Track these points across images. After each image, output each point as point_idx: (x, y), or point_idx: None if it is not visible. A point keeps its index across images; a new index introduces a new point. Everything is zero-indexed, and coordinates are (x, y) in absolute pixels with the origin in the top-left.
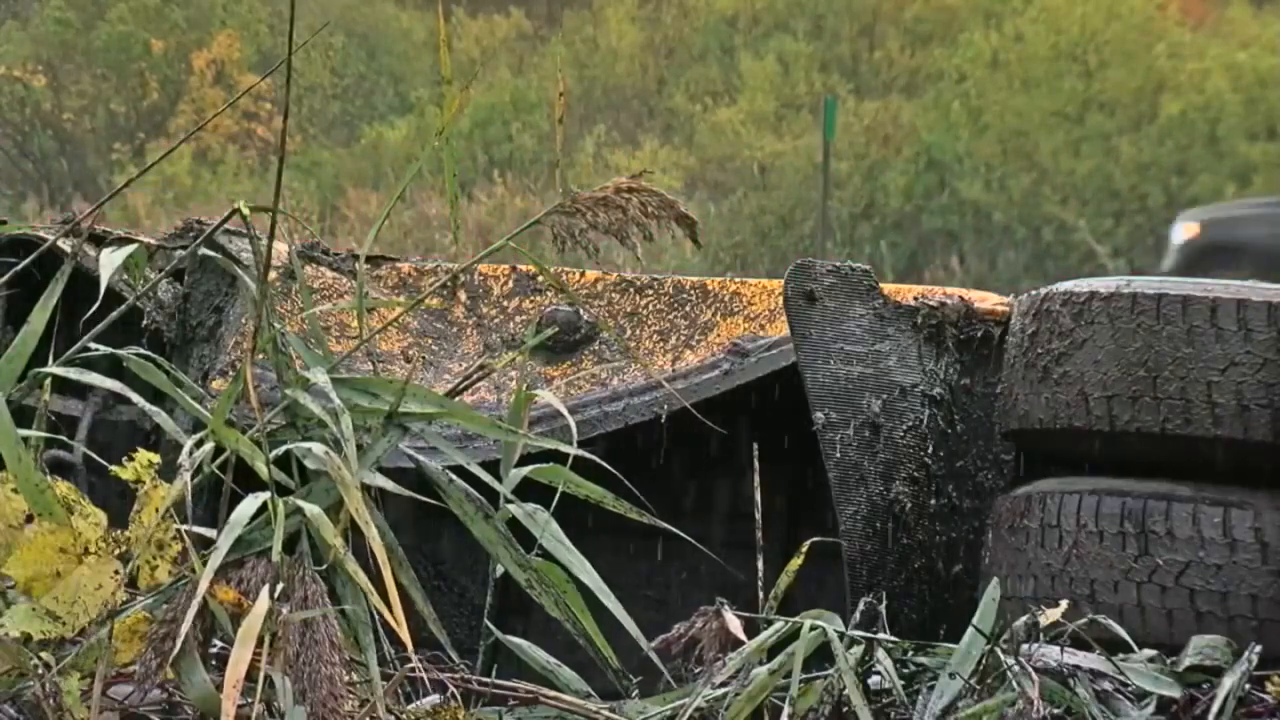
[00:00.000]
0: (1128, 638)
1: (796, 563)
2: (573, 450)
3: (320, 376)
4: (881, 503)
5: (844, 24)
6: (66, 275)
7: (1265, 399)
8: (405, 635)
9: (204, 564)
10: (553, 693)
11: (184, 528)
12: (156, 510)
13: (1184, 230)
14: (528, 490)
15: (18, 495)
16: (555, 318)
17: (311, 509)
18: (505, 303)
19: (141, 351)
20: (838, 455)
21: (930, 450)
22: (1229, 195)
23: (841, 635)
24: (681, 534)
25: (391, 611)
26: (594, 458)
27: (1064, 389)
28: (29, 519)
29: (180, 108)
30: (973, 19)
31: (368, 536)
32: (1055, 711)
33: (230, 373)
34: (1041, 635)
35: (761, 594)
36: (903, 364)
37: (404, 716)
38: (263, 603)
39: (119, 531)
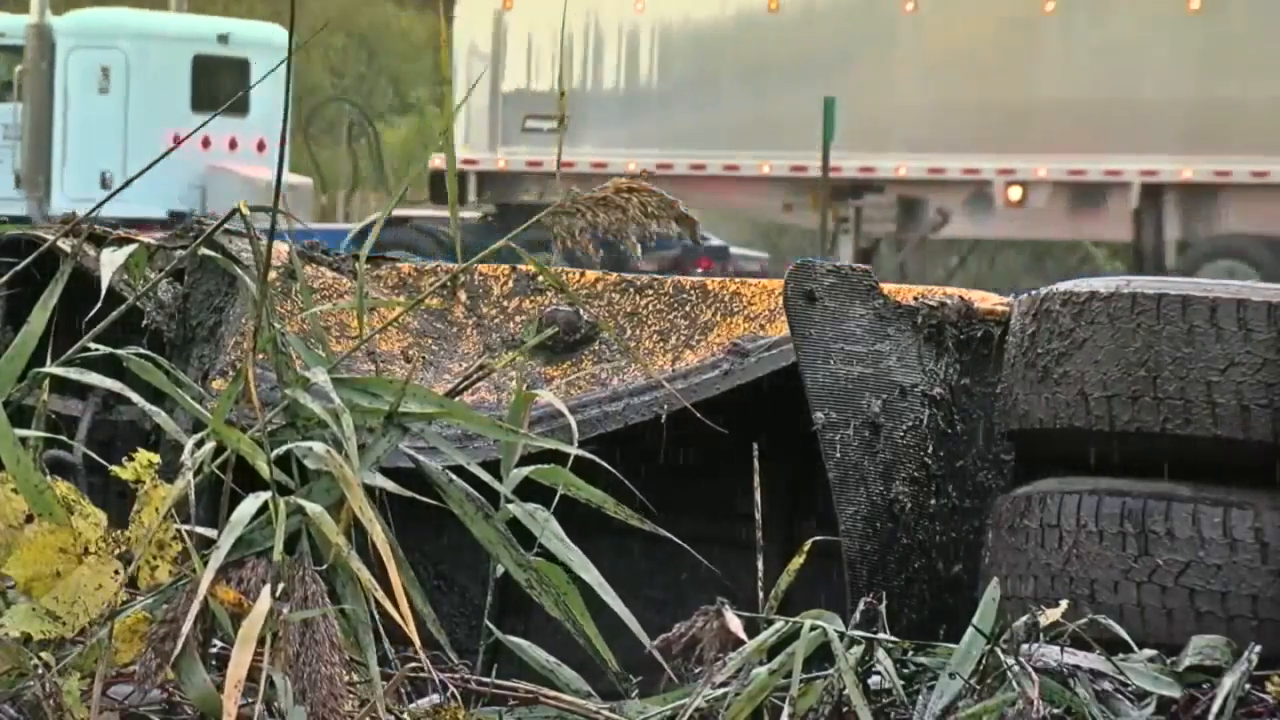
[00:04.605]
0: (1128, 638)
1: (797, 562)
2: (573, 450)
3: (320, 376)
4: (881, 503)
5: None
6: (66, 275)
7: (1265, 399)
8: (413, 632)
9: (204, 564)
10: (553, 693)
11: (184, 528)
12: (157, 510)
13: None
14: (528, 490)
15: (18, 495)
16: (555, 318)
17: (313, 508)
18: (505, 303)
19: (141, 351)
20: (838, 455)
21: (930, 450)
22: None
23: (841, 635)
24: (674, 538)
25: (398, 609)
26: (594, 458)
27: (1064, 389)
28: (29, 519)
29: None
30: None
31: (372, 534)
32: (1055, 711)
33: (230, 373)
34: (1041, 635)
35: (761, 594)
36: (903, 364)
37: (404, 716)
38: (263, 603)
39: (119, 531)
